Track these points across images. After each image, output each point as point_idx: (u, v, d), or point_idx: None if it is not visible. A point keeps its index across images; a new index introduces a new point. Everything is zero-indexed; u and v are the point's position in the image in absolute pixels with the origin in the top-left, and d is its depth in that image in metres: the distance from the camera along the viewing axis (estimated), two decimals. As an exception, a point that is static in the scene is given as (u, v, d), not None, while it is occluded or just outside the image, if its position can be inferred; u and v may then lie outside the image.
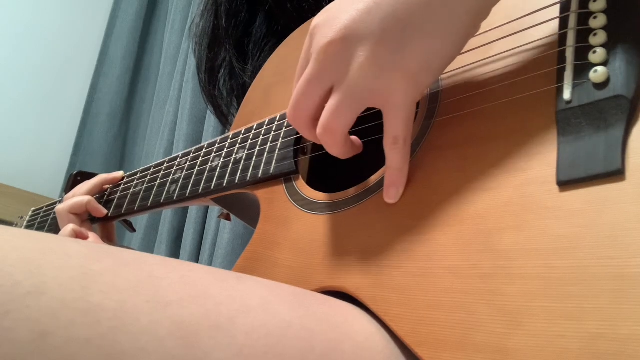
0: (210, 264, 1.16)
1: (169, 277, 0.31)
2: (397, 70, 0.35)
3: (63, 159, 1.77)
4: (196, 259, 1.24)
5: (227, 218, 0.72)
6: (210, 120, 1.32)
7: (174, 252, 1.32)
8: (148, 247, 1.43)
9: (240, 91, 0.72)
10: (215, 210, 1.23)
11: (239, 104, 0.71)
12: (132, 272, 0.29)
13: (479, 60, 0.39)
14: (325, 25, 0.36)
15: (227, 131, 0.66)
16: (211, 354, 0.28)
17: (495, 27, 0.39)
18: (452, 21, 0.34)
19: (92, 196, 0.71)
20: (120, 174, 0.73)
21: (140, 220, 1.47)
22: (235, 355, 0.28)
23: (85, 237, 0.66)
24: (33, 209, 0.88)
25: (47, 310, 0.25)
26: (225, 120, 0.76)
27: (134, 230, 0.81)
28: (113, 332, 0.26)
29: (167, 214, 1.36)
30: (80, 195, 0.71)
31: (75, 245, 0.30)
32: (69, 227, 0.66)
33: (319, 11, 0.38)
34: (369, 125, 0.45)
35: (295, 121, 0.40)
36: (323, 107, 0.38)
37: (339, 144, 0.38)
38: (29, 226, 0.85)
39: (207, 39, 0.72)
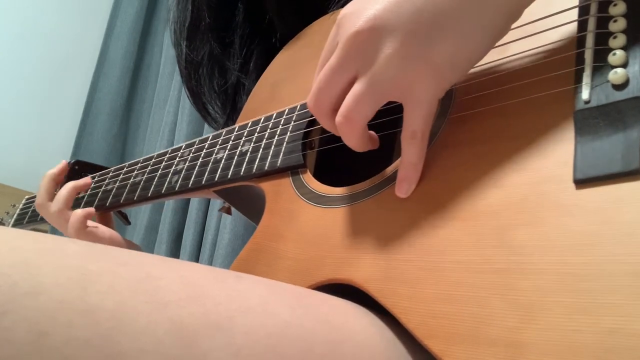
0: (210, 264, 1.16)
1: (168, 277, 0.30)
2: (423, 64, 0.34)
3: (63, 159, 1.76)
4: (196, 259, 1.24)
5: (228, 212, 0.71)
6: (210, 120, 1.31)
7: (174, 252, 1.32)
8: (148, 247, 1.43)
9: (233, 89, 0.69)
10: (215, 210, 1.23)
11: (237, 102, 0.69)
12: (130, 272, 0.29)
13: (495, 60, 0.39)
14: (354, 14, 0.36)
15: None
16: (210, 354, 0.27)
17: (513, 28, 0.39)
18: (483, 21, 0.34)
19: (69, 205, 0.69)
20: (88, 180, 0.71)
21: (140, 221, 1.47)
22: (234, 355, 0.28)
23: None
24: (27, 197, 0.87)
25: (45, 310, 0.25)
26: (210, 120, 0.72)
27: (129, 223, 0.80)
28: (111, 333, 0.25)
29: (167, 215, 1.36)
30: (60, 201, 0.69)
31: (73, 246, 0.30)
32: (77, 212, 0.64)
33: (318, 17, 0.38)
34: (381, 120, 0.45)
35: (316, 109, 0.39)
36: (344, 98, 0.37)
37: (357, 134, 0.38)
38: (22, 214, 0.84)
39: (185, 31, 0.67)
